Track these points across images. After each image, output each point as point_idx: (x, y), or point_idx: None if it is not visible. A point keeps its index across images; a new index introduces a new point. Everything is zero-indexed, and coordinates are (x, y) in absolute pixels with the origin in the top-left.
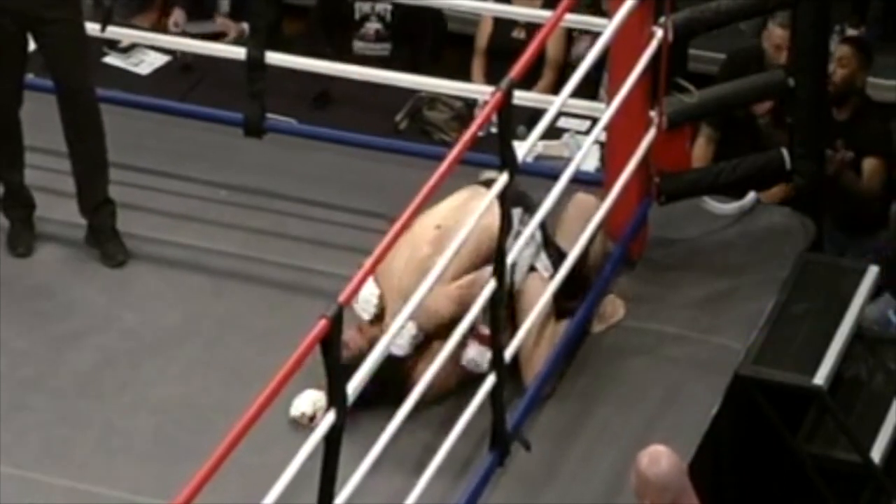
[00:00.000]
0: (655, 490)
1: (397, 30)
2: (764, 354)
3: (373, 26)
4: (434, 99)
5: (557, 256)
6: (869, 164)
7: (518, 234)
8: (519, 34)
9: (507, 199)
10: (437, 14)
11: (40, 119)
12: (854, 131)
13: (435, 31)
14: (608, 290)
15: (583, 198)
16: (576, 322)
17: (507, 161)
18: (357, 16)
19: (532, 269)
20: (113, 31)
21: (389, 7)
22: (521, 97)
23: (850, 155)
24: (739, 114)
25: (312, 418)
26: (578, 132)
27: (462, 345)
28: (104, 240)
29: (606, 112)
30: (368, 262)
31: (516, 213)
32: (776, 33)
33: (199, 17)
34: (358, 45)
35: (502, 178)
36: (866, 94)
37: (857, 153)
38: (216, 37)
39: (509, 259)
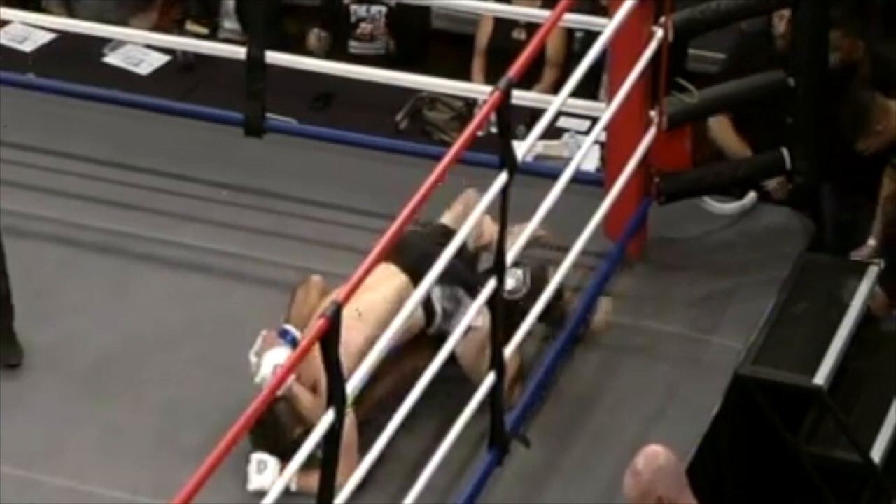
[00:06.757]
0: (653, 490)
1: (390, 27)
2: (764, 354)
3: (368, 26)
4: (434, 99)
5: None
6: None
7: (444, 311)
8: (519, 34)
9: (507, 198)
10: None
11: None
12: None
13: (422, 28)
14: (606, 290)
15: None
16: (569, 330)
17: (506, 161)
18: (353, 19)
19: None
20: (113, 31)
21: (384, 10)
22: (521, 97)
23: None
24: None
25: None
26: (578, 132)
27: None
28: None
29: (606, 112)
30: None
31: (436, 292)
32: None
33: (205, 16)
34: (353, 45)
35: (502, 177)
36: None
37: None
38: None
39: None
